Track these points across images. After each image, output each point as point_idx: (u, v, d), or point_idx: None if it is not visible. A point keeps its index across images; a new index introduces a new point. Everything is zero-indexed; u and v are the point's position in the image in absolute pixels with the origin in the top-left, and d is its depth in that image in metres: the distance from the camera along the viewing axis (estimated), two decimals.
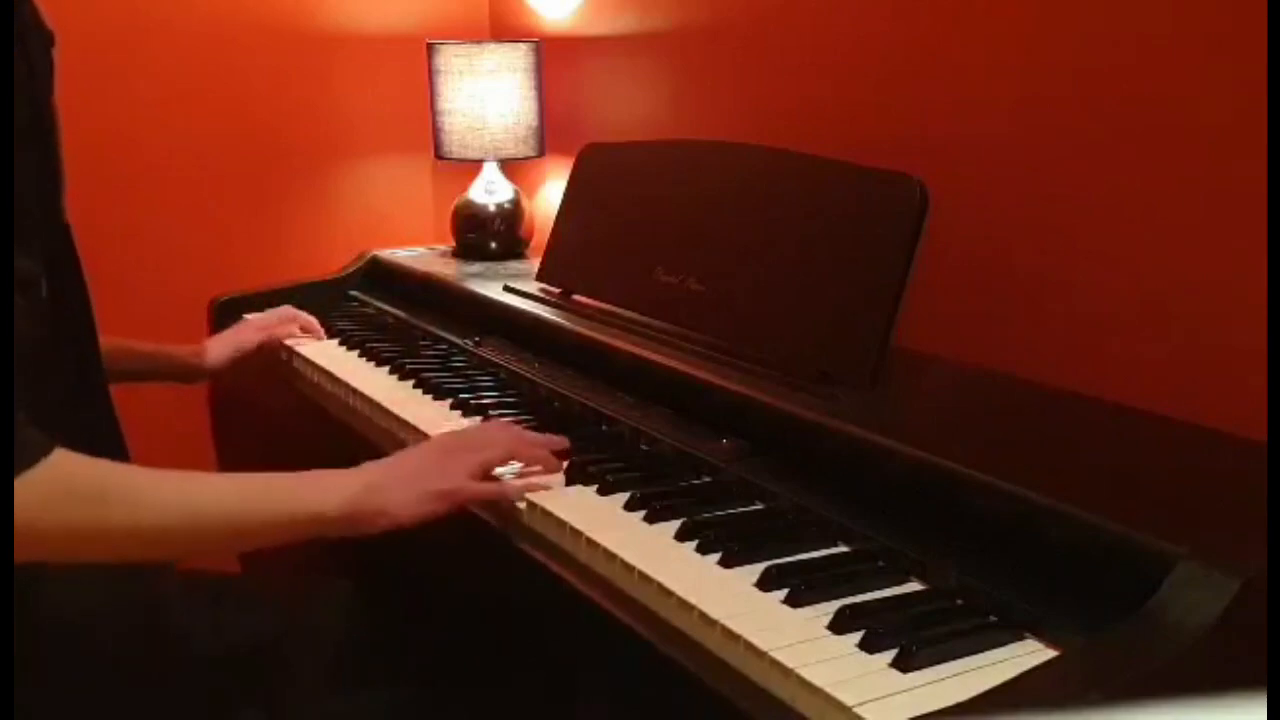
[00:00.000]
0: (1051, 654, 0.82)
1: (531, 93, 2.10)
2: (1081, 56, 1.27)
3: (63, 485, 0.88)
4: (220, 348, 1.70)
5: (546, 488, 1.13)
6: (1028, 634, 0.85)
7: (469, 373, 1.56)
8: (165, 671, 1.10)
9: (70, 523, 0.89)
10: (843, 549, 1.00)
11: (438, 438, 1.17)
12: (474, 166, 2.15)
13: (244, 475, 1.03)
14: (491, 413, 1.37)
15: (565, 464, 1.17)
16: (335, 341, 1.78)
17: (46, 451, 0.87)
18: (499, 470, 1.14)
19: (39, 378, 0.91)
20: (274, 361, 1.77)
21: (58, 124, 0.98)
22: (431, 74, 2.11)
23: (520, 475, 1.15)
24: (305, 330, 1.80)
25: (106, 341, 1.42)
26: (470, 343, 1.66)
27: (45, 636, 1.00)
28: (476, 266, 2.02)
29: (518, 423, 1.30)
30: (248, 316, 1.85)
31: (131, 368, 1.52)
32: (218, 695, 1.13)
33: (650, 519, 1.06)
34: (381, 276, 2.09)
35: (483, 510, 1.15)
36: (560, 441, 1.19)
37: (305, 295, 2.01)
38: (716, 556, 0.97)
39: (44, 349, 0.93)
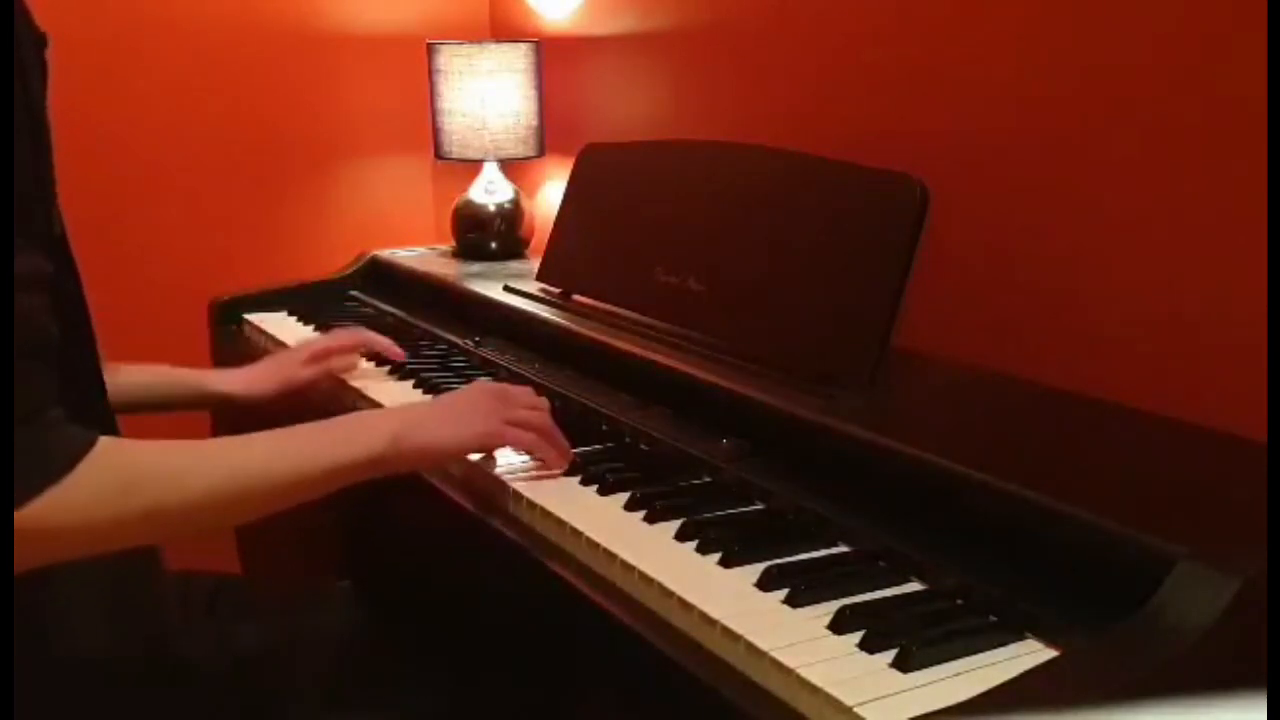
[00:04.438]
0: (1051, 654, 0.82)
1: (531, 93, 2.10)
2: (1081, 56, 1.27)
3: (111, 476, 0.87)
4: (266, 380, 1.49)
5: (562, 468, 1.16)
6: (1028, 634, 0.85)
7: (469, 373, 1.56)
8: (163, 674, 1.10)
9: (123, 512, 0.88)
10: (843, 549, 1.00)
11: (479, 383, 1.18)
12: (474, 166, 2.15)
13: (282, 432, 1.02)
14: None
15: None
16: None
17: (90, 445, 0.86)
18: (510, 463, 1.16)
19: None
20: (330, 398, 1.51)
21: (50, 130, 0.97)
22: (431, 74, 2.11)
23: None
24: (373, 354, 1.57)
25: (143, 371, 1.40)
26: (470, 343, 1.65)
27: (42, 641, 1.00)
28: (476, 266, 2.02)
29: None
30: (300, 342, 1.59)
31: (168, 396, 1.45)
32: (216, 697, 1.12)
33: (650, 519, 1.06)
34: (381, 276, 2.09)
35: (483, 510, 1.15)
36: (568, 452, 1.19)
37: (305, 295, 2.02)
38: (716, 556, 0.97)
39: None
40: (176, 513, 0.93)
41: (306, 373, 1.51)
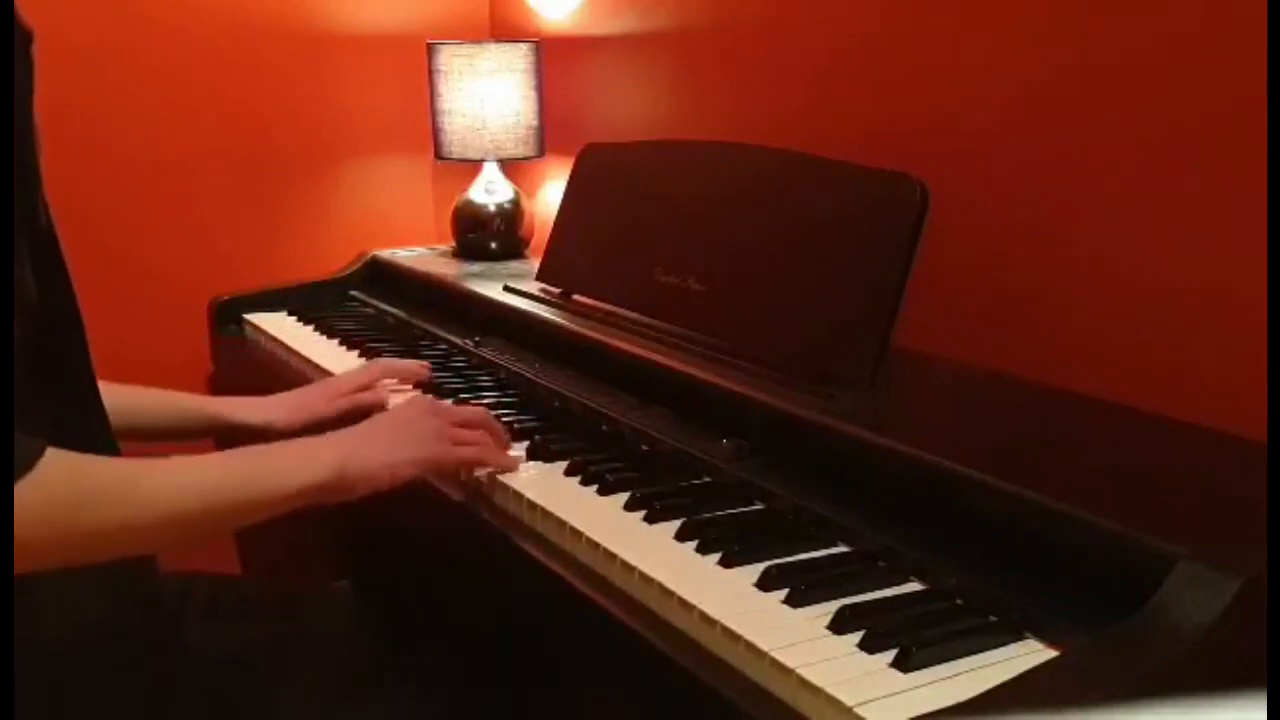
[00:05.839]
0: (1051, 654, 0.82)
1: (531, 93, 2.10)
2: (1081, 57, 1.27)
3: (56, 493, 0.86)
4: (289, 414, 1.42)
5: (521, 458, 1.20)
6: (1028, 634, 0.85)
7: (469, 373, 1.56)
8: (164, 675, 1.10)
9: (69, 529, 0.88)
10: (843, 549, 1.00)
11: (415, 401, 1.19)
12: (474, 166, 2.15)
13: (227, 455, 1.03)
14: (491, 413, 1.37)
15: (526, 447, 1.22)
16: (335, 341, 1.78)
17: (36, 458, 0.86)
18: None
19: (29, 383, 0.90)
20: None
21: (34, 124, 0.97)
22: (431, 74, 2.11)
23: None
24: (404, 381, 1.51)
25: (153, 395, 1.36)
26: (470, 343, 1.66)
27: (42, 642, 0.99)
28: (476, 266, 2.02)
29: (518, 422, 1.31)
30: (327, 381, 1.53)
31: (182, 424, 1.39)
32: (217, 698, 1.12)
33: (650, 519, 1.06)
34: (381, 276, 2.10)
35: (482, 510, 1.15)
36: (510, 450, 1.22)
37: (305, 295, 2.02)
38: (716, 556, 0.97)
39: (33, 353, 0.92)
40: (122, 532, 0.92)
41: (330, 409, 1.43)
